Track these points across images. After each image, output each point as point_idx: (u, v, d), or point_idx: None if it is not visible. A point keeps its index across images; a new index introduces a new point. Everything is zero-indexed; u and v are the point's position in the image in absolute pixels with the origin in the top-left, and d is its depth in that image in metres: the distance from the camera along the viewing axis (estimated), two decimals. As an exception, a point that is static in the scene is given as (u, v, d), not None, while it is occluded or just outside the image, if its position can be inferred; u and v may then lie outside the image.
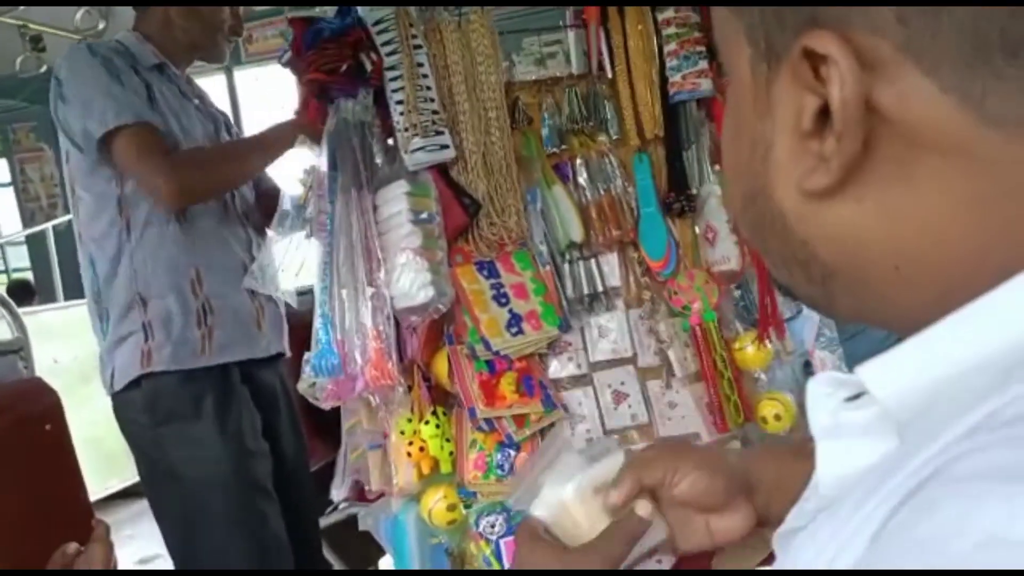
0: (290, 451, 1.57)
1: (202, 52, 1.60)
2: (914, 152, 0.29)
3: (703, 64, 1.40)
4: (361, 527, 1.42)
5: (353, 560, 1.97)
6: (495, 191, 1.36)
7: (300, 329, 1.67)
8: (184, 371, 1.38)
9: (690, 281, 1.44)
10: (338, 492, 1.51)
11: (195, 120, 1.54)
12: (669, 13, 1.41)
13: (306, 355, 1.33)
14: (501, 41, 1.38)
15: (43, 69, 4.39)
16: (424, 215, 1.28)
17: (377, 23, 1.32)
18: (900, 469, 0.26)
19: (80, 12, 3.49)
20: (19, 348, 1.20)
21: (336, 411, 1.64)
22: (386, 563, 2.48)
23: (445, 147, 1.31)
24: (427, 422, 1.26)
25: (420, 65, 1.32)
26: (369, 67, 1.29)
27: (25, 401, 1.11)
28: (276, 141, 1.44)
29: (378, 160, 1.35)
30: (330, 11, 1.31)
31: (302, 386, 1.32)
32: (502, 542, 1.29)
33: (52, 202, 6.18)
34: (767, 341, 1.42)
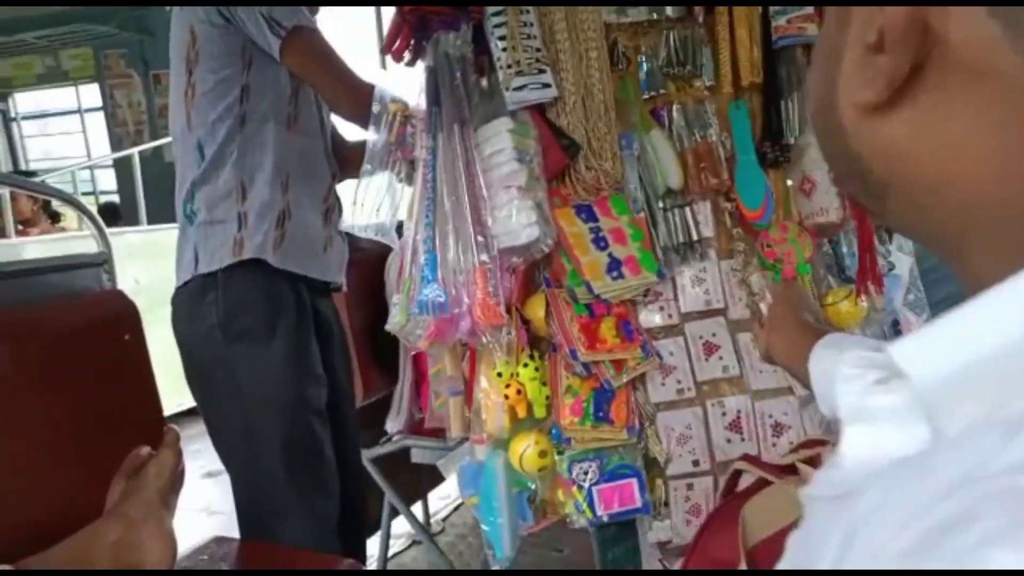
0: (340, 384, 1.57)
1: None
2: (958, 75, 0.29)
3: (809, 8, 1.36)
4: (444, 472, 1.41)
5: (403, 489, 2.03)
6: (593, 134, 1.33)
7: (363, 265, 1.66)
8: (264, 279, 1.37)
9: (783, 233, 1.41)
10: (392, 424, 1.50)
11: None
12: (775, -45, 1.36)
13: (396, 296, 1.30)
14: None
15: (134, -4, 4.28)
16: (525, 155, 1.25)
17: (479, -45, 1.28)
18: (931, 479, 0.25)
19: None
20: (103, 261, 1.19)
21: (394, 345, 1.64)
22: (435, 496, 2.50)
23: (547, 86, 1.27)
24: (525, 365, 1.24)
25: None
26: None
27: (106, 310, 1.12)
28: None
29: (474, 98, 1.31)
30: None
31: (393, 328, 1.30)
32: (595, 489, 1.28)
33: (139, 128, 6.27)
34: (862, 297, 1.40)
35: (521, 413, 1.25)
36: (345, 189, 1.53)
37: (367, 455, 1.86)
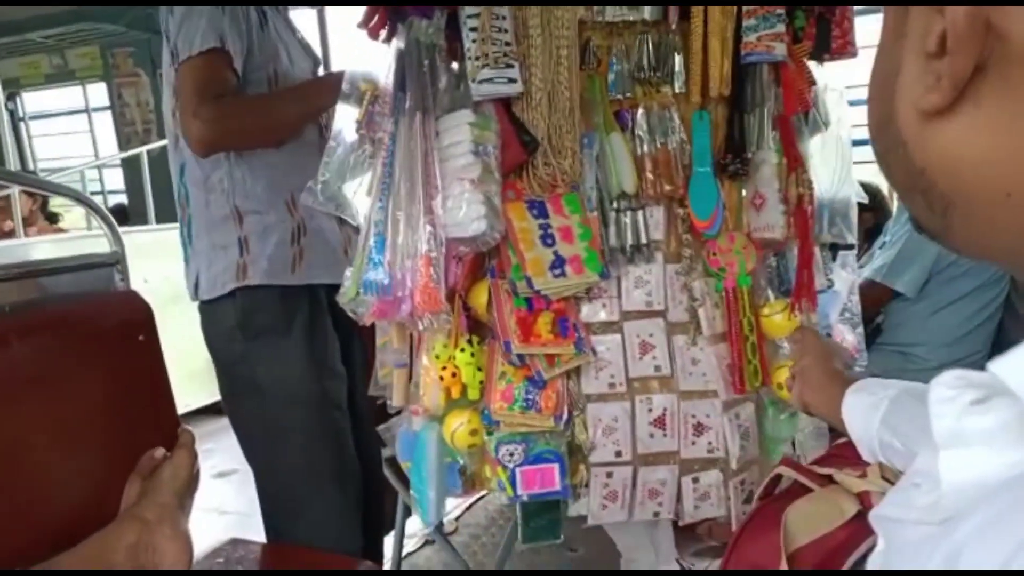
0: (359, 377, 1.61)
1: None
2: (1022, 71, 0.28)
3: (780, 27, 1.38)
4: (383, 437, 1.48)
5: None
6: (555, 131, 1.36)
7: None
8: (277, 287, 1.40)
9: (730, 243, 1.46)
10: None
11: (299, 54, 1.54)
12: (755, -29, 1.38)
13: (348, 270, 1.36)
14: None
15: (145, -4, 4.22)
16: (483, 148, 1.28)
17: (460, -56, 1.29)
18: None
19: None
20: (116, 261, 1.21)
21: None
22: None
23: (513, 81, 1.30)
24: (463, 350, 1.30)
25: (498, -8, 1.30)
26: (448, -11, 1.27)
27: (120, 311, 1.13)
28: (318, 99, 1.41)
29: (441, 85, 1.34)
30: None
31: (342, 300, 1.36)
32: (518, 470, 1.36)
33: (147, 127, 6.23)
34: (797, 311, 1.46)
35: (455, 394, 1.32)
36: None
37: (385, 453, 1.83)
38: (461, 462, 1.38)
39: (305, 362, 1.44)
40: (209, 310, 1.45)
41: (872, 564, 0.37)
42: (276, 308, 1.42)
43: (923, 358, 2.34)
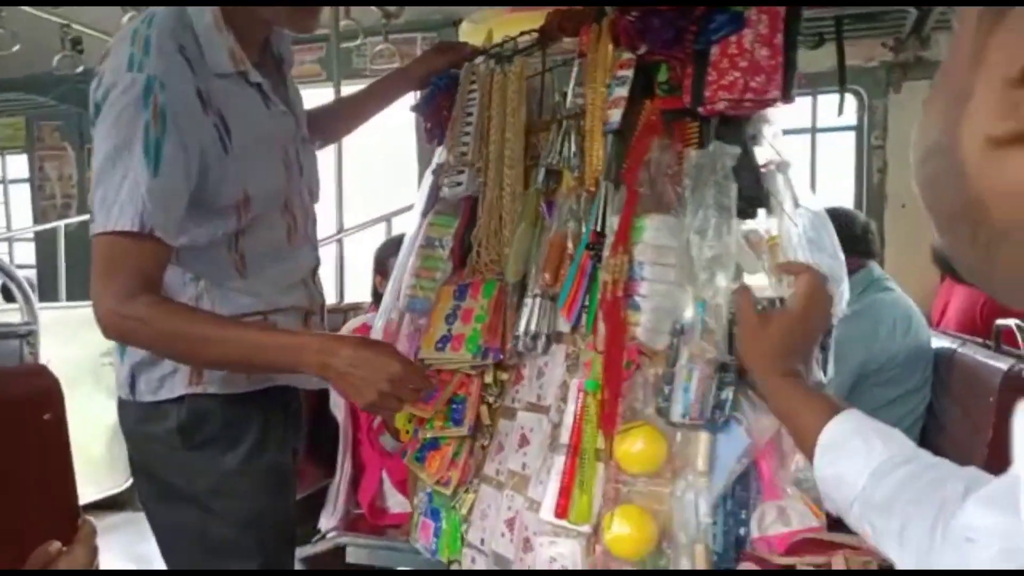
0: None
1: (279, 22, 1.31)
2: None
3: (621, 91, 1.17)
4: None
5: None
6: (492, 227, 1.51)
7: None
8: (232, 395, 1.27)
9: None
10: (327, 521, 1.53)
11: (277, 124, 1.33)
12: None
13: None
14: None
15: (79, 69, 3.98)
16: (436, 242, 1.60)
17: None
18: None
19: (127, 15, 3.12)
20: (27, 334, 1.16)
21: (334, 436, 1.62)
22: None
23: (458, 184, 1.56)
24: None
25: (469, 114, 1.59)
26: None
27: (27, 386, 1.05)
28: (271, 363, 1.17)
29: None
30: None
31: None
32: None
33: (67, 202, 5.89)
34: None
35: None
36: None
37: (299, 554, 1.70)
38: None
39: (252, 474, 1.30)
40: (139, 409, 1.27)
41: None
42: (224, 417, 1.28)
43: None
